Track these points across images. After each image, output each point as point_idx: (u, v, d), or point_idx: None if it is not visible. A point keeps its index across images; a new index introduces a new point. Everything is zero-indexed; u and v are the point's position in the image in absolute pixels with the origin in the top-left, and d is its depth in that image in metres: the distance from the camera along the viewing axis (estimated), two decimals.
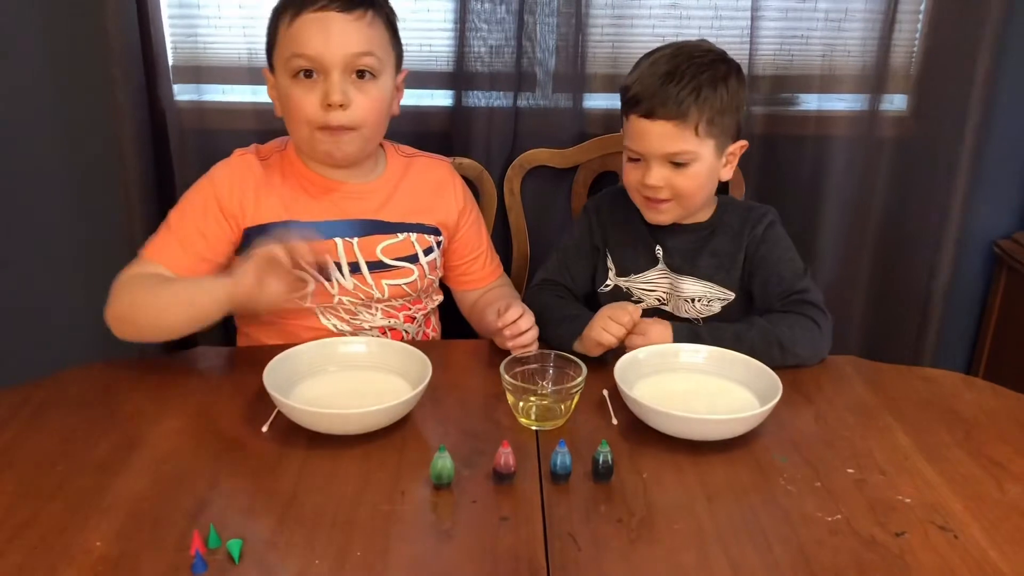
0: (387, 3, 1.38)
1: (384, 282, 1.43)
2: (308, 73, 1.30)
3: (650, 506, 1.01)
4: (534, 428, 1.16)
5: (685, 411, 1.10)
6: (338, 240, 1.40)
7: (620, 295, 1.49)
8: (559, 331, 1.36)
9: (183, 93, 1.79)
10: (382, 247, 1.42)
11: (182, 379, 1.28)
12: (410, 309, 1.49)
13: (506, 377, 1.15)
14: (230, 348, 1.47)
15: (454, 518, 0.98)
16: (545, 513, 0.99)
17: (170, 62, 1.77)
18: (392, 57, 1.37)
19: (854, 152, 1.89)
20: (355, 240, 1.40)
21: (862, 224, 1.94)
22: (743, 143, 1.42)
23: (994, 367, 2.04)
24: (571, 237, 1.55)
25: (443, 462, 1.02)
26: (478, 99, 1.82)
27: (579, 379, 1.15)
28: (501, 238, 1.84)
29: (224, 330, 1.62)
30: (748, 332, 1.32)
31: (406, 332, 1.49)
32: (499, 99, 1.82)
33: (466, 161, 1.77)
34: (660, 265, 1.47)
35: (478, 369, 1.32)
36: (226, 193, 1.36)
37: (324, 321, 1.42)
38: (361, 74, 1.32)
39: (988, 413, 1.23)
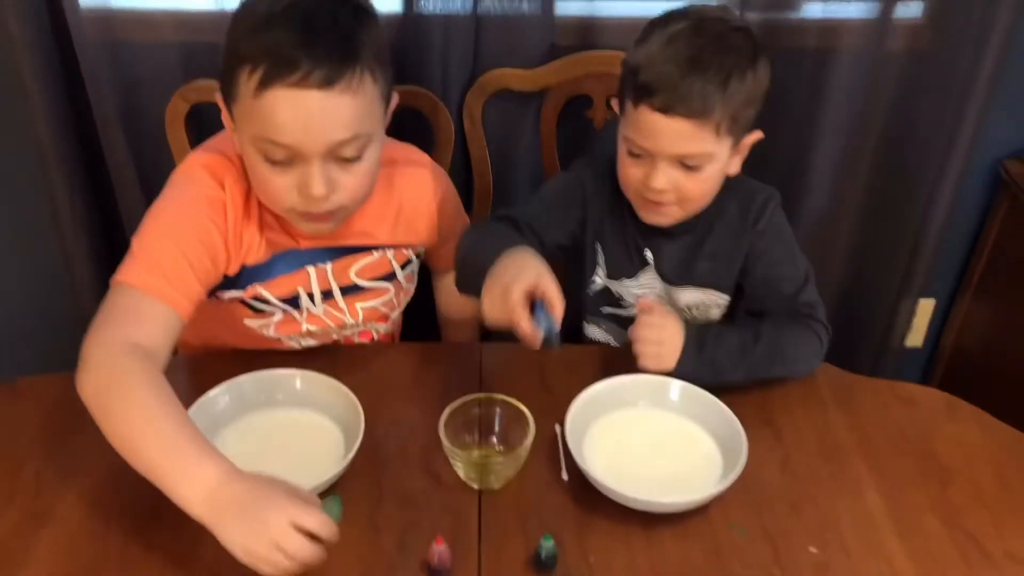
0: (372, 35, 1.07)
1: (358, 305, 1.28)
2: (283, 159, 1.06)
3: None
4: (476, 487, 1.07)
5: (636, 490, 1.01)
6: (310, 268, 1.22)
7: (610, 299, 1.33)
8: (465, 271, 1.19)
9: None
10: (356, 269, 1.25)
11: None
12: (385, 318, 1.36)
13: (445, 443, 1.04)
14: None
15: None
16: None
17: None
18: (382, 109, 1.12)
19: (859, 68, 1.67)
20: (328, 265, 1.23)
21: (860, 145, 1.76)
22: (758, 134, 1.21)
23: (982, 295, 1.95)
24: (550, 198, 1.31)
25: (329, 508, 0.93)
26: (432, 4, 1.58)
27: (526, 442, 1.05)
28: (461, 173, 1.67)
29: None
30: (755, 347, 1.19)
31: (376, 332, 1.36)
32: (456, 4, 1.58)
33: (420, 91, 1.57)
34: (649, 269, 1.30)
35: (425, 388, 1.21)
36: (225, 221, 1.14)
37: (288, 341, 1.27)
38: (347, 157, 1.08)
39: (969, 455, 1.14)
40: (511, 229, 1.23)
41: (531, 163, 1.71)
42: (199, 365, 1.23)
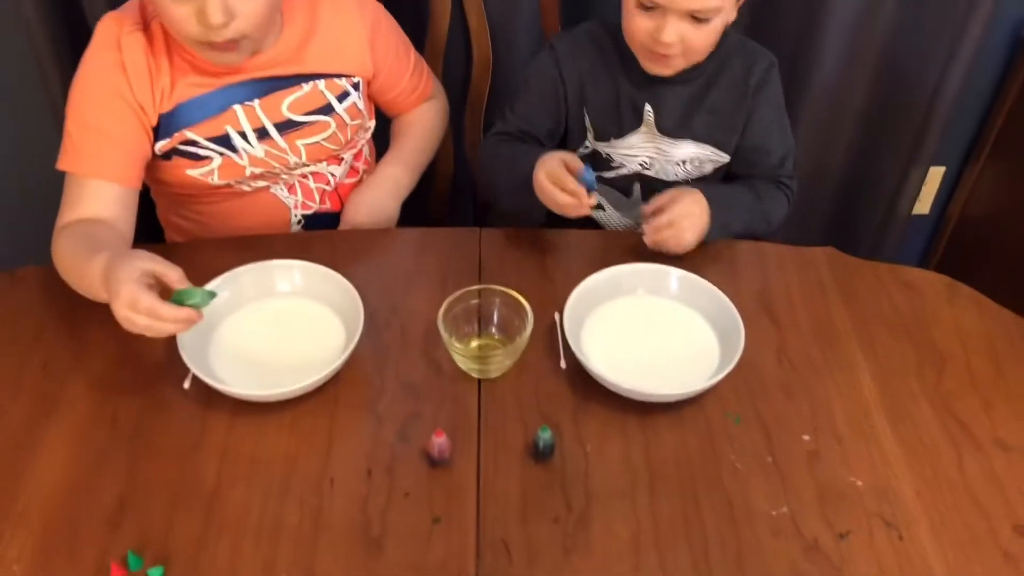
0: None
1: (299, 142, 1.28)
2: None
3: (589, 496, 0.97)
4: (476, 376, 1.08)
5: (633, 379, 1.02)
6: (236, 107, 1.22)
7: (599, 162, 1.34)
8: (516, 197, 1.26)
9: None
10: (288, 103, 1.25)
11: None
12: (339, 157, 1.36)
13: (445, 335, 1.05)
14: (158, 246, 1.30)
15: (384, 520, 0.94)
16: (480, 513, 0.95)
17: None
18: None
19: None
20: (256, 101, 1.23)
21: (875, 6, 1.68)
22: None
23: (993, 163, 1.91)
24: (531, 86, 1.35)
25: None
26: None
27: (525, 333, 1.05)
28: (460, 44, 1.61)
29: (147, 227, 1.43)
30: (756, 206, 1.28)
31: (331, 175, 1.36)
32: None
33: None
34: (645, 127, 1.30)
35: (424, 275, 1.21)
36: (126, 80, 1.16)
37: (239, 186, 1.29)
38: None
39: (966, 341, 1.15)
40: (513, 142, 1.34)
41: (532, 31, 1.64)
42: (196, 254, 1.23)
